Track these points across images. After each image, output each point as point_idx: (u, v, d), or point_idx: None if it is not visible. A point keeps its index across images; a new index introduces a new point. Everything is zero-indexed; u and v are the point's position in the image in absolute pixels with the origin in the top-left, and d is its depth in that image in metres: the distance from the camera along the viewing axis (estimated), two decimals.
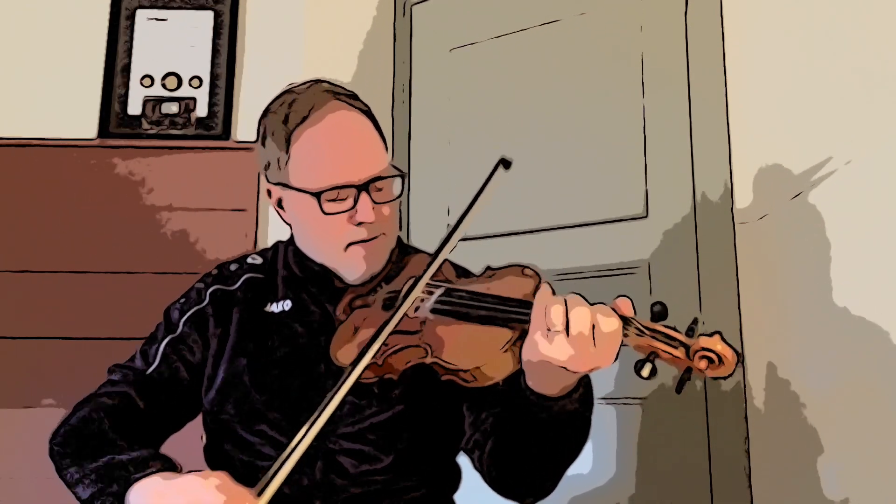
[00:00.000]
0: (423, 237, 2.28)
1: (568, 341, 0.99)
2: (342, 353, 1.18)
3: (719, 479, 1.84)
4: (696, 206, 1.96)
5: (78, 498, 1.14)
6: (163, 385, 1.27)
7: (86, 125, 2.27)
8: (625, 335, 1.01)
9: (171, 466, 1.11)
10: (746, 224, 1.87)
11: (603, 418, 1.96)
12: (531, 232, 2.17)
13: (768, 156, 1.85)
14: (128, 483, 1.06)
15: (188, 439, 1.33)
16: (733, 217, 1.89)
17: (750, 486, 1.79)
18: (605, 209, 2.08)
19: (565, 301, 1.01)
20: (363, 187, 1.21)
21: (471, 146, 2.31)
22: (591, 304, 1.01)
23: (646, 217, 2.03)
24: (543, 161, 2.16)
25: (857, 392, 1.66)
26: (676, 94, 2.03)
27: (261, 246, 1.76)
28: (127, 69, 2.31)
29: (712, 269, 1.92)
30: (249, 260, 1.37)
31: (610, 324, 1.00)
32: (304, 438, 1.04)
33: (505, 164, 1.12)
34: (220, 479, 1.03)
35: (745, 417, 1.81)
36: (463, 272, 1.29)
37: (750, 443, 1.80)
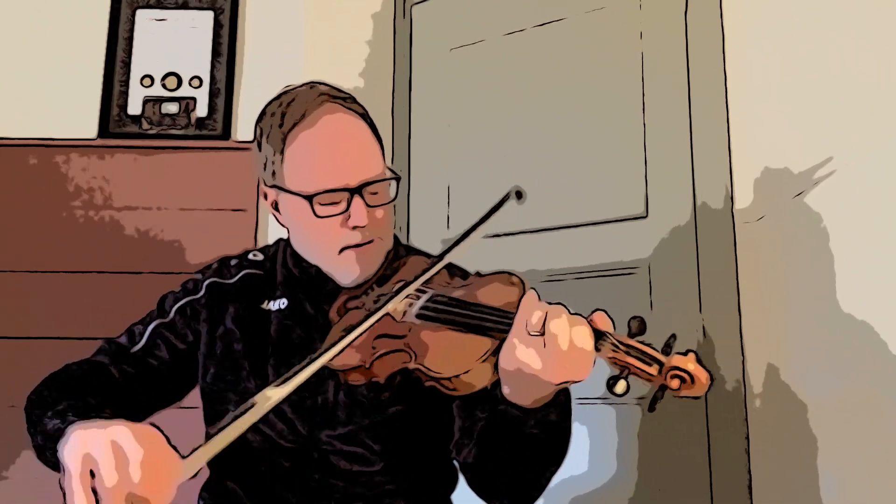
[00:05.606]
0: (423, 237, 2.28)
1: (543, 349, 0.98)
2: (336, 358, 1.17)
3: (719, 479, 1.83)
4: (696, 206, 1.96)
5: (36, 448, 1.12)
6: (143, 365, 1.27)
7: (86, 125, 2.28)
8: (598, 349, 1.00)
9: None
10: (746, 224, 1.87)
11: (603, 418, 1.96)
12: (531, 232, 2.16)
13: (768, 156, 1.85)
14: (66, 425, 0.99)
15: (188, 439, 1.33)
16: (733, 217, 1.89)
17: (750, 486, 1.79)
18: (605, 209, 2.08)
19: (546, 309, 1.00)
20: (356, 191, 1.20)
21: (471, 146, 2.30)
22: (573, 314, 1.00)
23: (646, 217, 2.02)
24: (543, 161, 2.15)
25: (858, 393, 1.66)
26: (676, 95, 2.02)
27: (260, 246, 1.76)
28: (127, 69, 2.31)
29: (712, 269, 1.91)
30: (250, 256, 1.37)
31: (581, 332, 0.98)
32: (248, 412, 0.97)
33: (518, 195, 1.12)
34: (149, 433, 0.95)
35: (745, 418, 1.81)
36: (459, 272, 1.29)
37: (750, 443, 1.80)
